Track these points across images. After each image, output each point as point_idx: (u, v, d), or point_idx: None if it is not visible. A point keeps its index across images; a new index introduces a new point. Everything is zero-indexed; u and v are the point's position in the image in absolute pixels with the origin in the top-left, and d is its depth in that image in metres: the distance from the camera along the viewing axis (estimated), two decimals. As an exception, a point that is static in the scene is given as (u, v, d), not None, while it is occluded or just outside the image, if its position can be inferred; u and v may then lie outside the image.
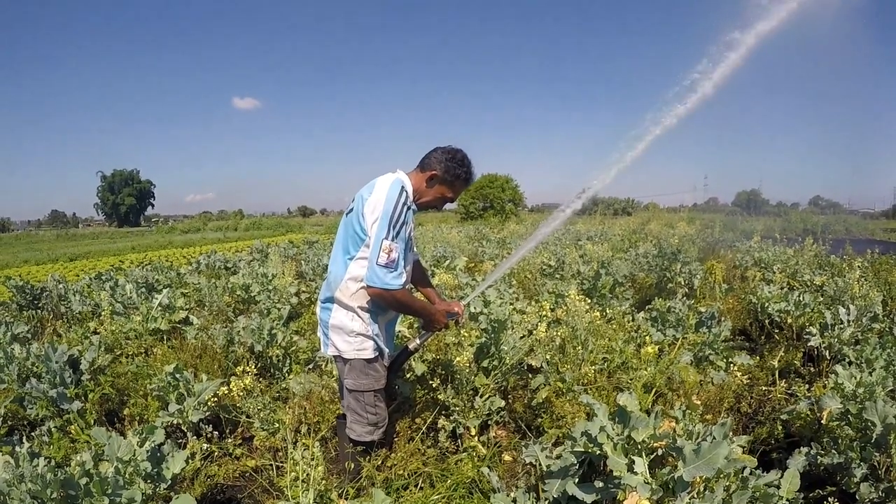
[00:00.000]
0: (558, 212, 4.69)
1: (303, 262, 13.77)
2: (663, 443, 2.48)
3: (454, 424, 4.21)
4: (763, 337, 6.96)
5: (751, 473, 2.50)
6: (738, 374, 4.58)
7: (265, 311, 7.02)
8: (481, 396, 4.35)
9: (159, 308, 7.09)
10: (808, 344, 5.80)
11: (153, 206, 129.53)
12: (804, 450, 3.22)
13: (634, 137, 4.21)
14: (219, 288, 8.88)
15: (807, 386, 4.97)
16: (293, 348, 5.73)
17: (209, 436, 4.24)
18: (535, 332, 4.81)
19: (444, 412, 4.30)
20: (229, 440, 4.39)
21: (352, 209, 3.21)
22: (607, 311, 5.77)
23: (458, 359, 4.23)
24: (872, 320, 6.00)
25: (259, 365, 5.34)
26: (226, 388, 4.35)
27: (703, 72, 4.25)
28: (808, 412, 3.98)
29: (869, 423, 3.13)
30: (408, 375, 4.69)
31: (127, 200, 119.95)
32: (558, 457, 2.84)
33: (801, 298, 6.66)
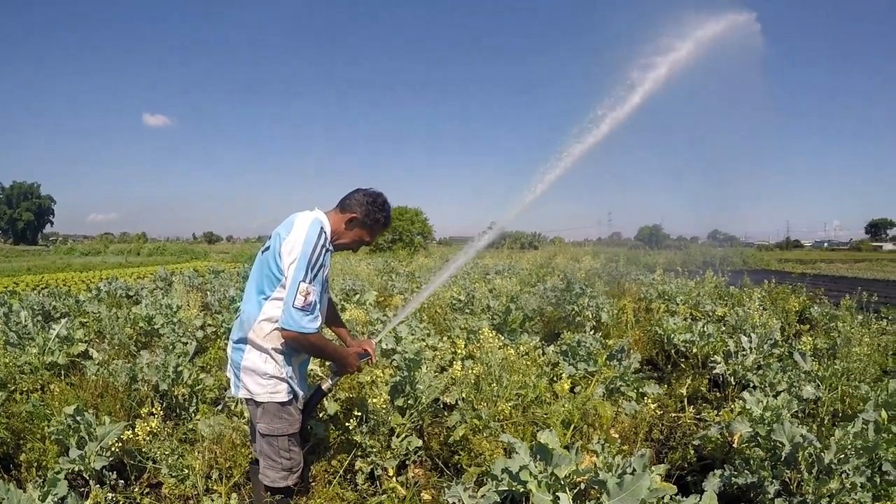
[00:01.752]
0: (466, 248, 4.79)
1: (208, 292, 13.38)
2: (586, 477, 2.54)
3: (371, 466, 4.17)
4: (670, 366, 7.25)
5: (671, 499, 2.59)
6: (650, 403, 4.72)
7: (170, 347, 6.77)
8: (398, 436, 4.32)
9: (57, 339, 6.69)
10: (714, 371, 6.09)
11: (52, 223, 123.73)
12: (718, 472, 3.41)
13: (537, 176, 4.38)
14: (120, 319, 8.50)
15: (715, 411, 5.21)
16: (200, 387, 5.51)
17: (113, 484, 3.99)
18: (449, 369, 4.84)
19: (360, 453, 4.25)
20: (135, 488, 4.14)
21: (268, 247, 3.17)
22: (520, 348, 5.86)
23: (373, 400, 4.21)
24: (773, 346, 6.36)
25: (164, 404, 5.14)
26: (130, 431, 4.14)
27: (599, 117, 4.50)
28: (719, 436, 4.19)
29: (778, 444, 3.32)
30: (321, 415, 4.63)
31: (25, 216, 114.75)
32: (482, 496, 2.85)
33: (704, 329, 6.97)
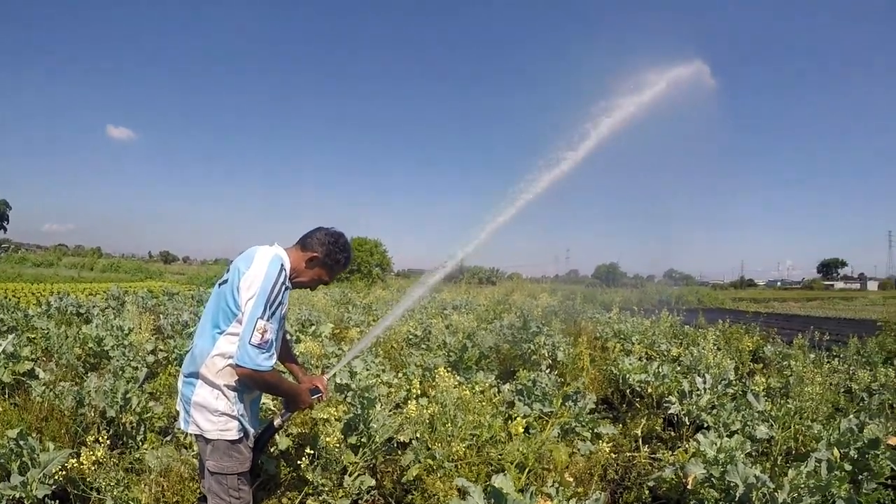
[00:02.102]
0: (419, 283, 4.78)
1: (162, 315, 13.06)
2: (540, 521, 2.49)
3: (323, 505, 4.08)
4: (625, 405, 7.26)
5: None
6: (604, 446, 4.71)
7: (119, 371, 6.52)
8: (350, 475, 4.27)
9: (2, 356, 6.45)
10: (669, 411, 6.11)
11: (5, 229, 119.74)
12: (674, 514, 3.37)
13: (495, 211, 4.42)
14: (70, 338, 8.29)
15: (670, 452, 5.21)
16: (148, 415, 5.35)
17: (57, 513, 3.84)
18: (404, 406, 4.80)
19: (311, 491, 4.17)
20: (80, 519, 4.00)
21: (226, 280, 3.12)
22: (475, 387, 5.82)
23: (326, 439, 4.15)
24: (727, 386, 6.42)
25: (111, 432, 4.98)
26: (75, 459, 3.98)
27: (550, 161, 4.59)
28: (674, 477, 4.18)
29: (732, 485, 3.33)
30: (272, 450, 4.54)
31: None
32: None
33: (659, 369, 7.02)
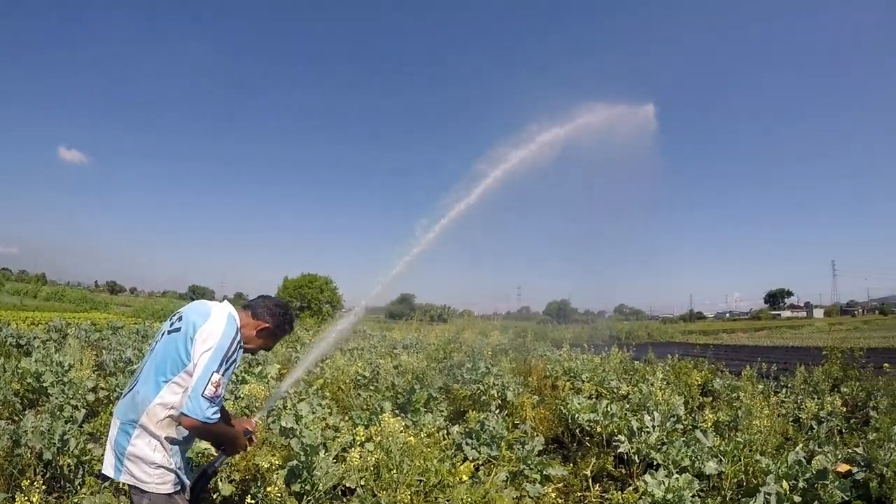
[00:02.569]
0: (332, 329, 4.79)
1: (104, 350, 12.73)
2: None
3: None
4: (575, 444, 7.22)
5: None
6: (551, 488, 4.64)
7: (57, 410, 6.29)
8: (294, 523, 4.14)
9: None
10: (619, 450, 6.05)
11: None
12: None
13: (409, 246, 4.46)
14: (7, 372, 8.08)
15: (620, 491, 5.16)
16: (87, 457, 5.19)
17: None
18: (349, 452, 4.69)
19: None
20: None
21: (178, 329, 3.09)
22: (423, 430, 5.71)
23: (268, 487, 4.10)
24: (676, 422, 6.43)
25: (48, 475, 4.86)
26: None
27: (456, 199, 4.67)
28: (623, 520, 4.10)
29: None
30: (215, 496, 4.40)
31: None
32: None
33: (609, 408, 6.99)
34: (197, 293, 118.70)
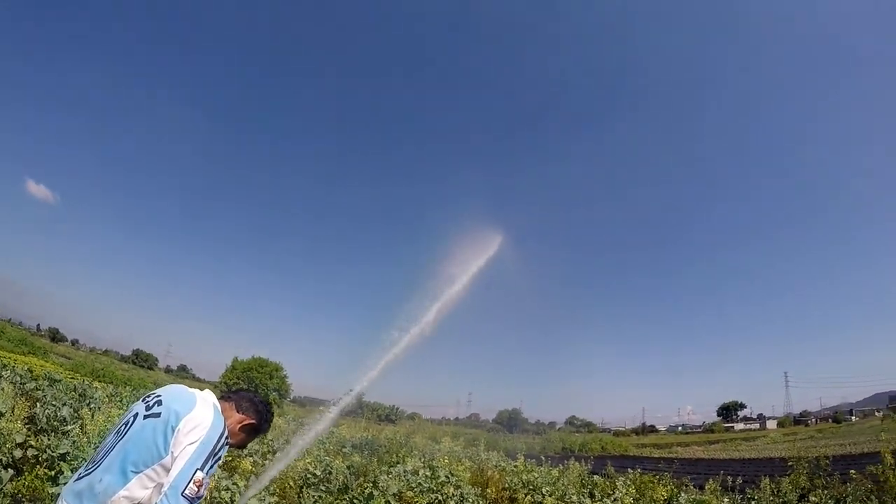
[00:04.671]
0: (319, 416, 4.77)
1: (38, 403, 11.91)
2: None
3: None
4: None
5: None
6: None
7: None
8: None
9: None
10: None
11: None
12: None
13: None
14: None
15: None
16: None
17: None
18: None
19: None
20: None
21: (156, 414, 2.84)
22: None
23: None
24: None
25: None
26: None
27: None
28: None
29: None
30: None
31: None
32: None
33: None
34: (140, 357, 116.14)
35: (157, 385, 3.20)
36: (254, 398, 3.33)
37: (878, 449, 13.90)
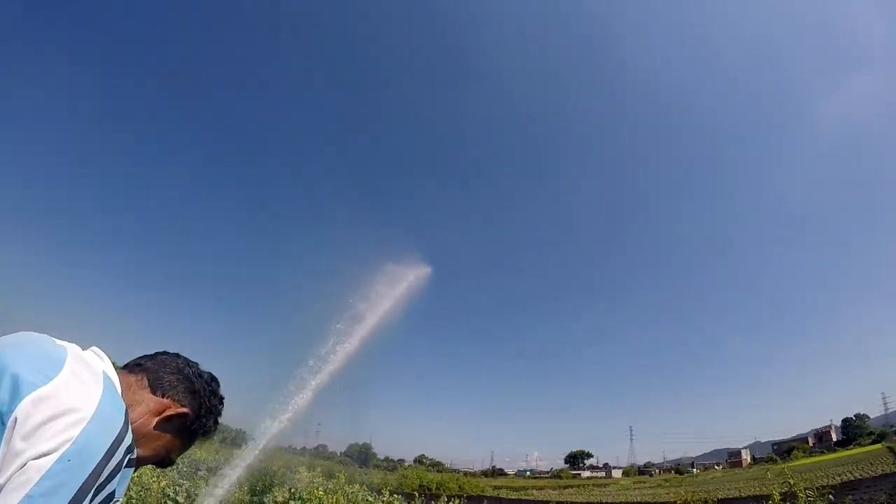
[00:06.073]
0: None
1: None
2: None
3: None
4: None
5: None
6: None
7: None
8: None
9: None
10: None
11: None
12: None
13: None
14: None
15: None
16: None
17: None
18: None
19: None
20: None
21: None
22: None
23: None
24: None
25: None
26: None
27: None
28: None
29: None
30: None
31: None
32: None
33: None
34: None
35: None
36: (184, 368, 1.72)
37: (754, 493, 14.25)
